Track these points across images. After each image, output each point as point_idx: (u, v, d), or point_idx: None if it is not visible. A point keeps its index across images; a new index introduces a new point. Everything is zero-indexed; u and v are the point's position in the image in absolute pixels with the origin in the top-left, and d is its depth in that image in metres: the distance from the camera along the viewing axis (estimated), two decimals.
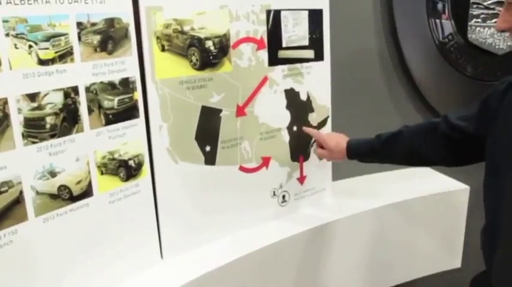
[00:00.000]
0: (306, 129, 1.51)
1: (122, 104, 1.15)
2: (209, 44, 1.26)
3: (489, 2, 1.74)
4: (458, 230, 1.78)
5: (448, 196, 1.73)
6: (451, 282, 1.92)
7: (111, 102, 1.13)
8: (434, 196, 1.70)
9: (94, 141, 1.10)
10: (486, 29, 1.76)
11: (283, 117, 1.48)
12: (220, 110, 1.33)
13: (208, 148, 1.32)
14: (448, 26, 1.75)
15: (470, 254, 1.81)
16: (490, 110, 1.08)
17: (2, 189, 0.95)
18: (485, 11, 1.75)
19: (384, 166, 1.83)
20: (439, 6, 1.73)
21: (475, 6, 1.74)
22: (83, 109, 1.07)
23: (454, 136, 1.19)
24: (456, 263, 1.82)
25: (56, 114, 1.02)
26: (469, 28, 1.75)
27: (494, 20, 1.75)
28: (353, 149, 1.40)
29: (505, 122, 1.02)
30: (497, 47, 1.78)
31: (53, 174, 1.03)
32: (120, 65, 1.13)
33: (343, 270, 1.60)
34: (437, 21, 1.73)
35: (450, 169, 1.82)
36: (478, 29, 1.75)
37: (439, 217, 1.74)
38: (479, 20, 1.75)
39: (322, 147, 1.47)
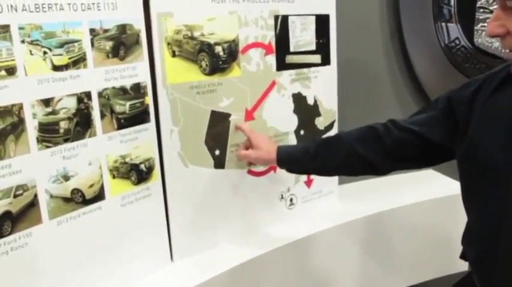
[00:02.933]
0: (237, 125, 1.35)
1: (133, 109, 1.16)
2: (219, 49, 1.28)
3: (495, 6, 1.75)
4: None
5: (453, 198, 1.72)
6: None
7: (123, 107, 1.14)
8: (439, 199, 1.71)
9: (106, 145, 1.12)
10: None
11: (290, 122, 1.49)
12: (229, 115, 1.34)
13: (217, 152, 1.34)
14: (454, 30, 1.76)
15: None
16: (458, 120, 1.00)
17: (17, 192, 0.97)
18: (492, 15, 1.76)
19: None
20: (445, 10, 1.74)
21: (481, 10, 1.75)
22: (96, 114, 1.09)
23: (410, 143, 1.10)
24: (463, 266, 1.81)
25: (69, 119, 1.04)
26: (475, 32, 1.76)
27: None
28: (283, 151, 1.26)
29: (489, 130, 0.93)
30: (503, 51, 1.79)
31: (66, 178, 1.05)
32: (132, 71, 1.15)
33: (350, 273, 1.61)
34: (444, 25, 1.75)
35: (456, 172, 1.83)
36: (484, 33, 1.76)
37: (445, 220, 1.74)
38: (485, 24, 1.76)
39: (247, 148, 1.34)
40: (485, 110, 0.95)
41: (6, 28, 0.91)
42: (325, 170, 1.27)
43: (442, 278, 1.81)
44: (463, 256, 1.10)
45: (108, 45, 1.09)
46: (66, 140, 1.04)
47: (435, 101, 1.11)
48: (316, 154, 1.21)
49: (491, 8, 1.75)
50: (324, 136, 1.29)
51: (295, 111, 1.49)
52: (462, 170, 1.00)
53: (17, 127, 0.95)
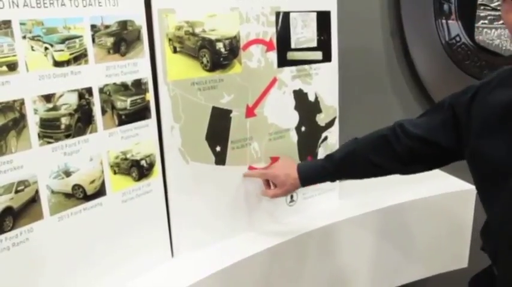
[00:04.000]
0: (249, 174, 1.41)
1: (134, 105, 1.16)
2: (220, 45, 1.28)
3: (496, 3, 1.75)
4: (465, 230, 1.79)
5: (455, 196, 1.74)
6: (457, 282, 1.93)
7: (124, 103, 1.14)
8: (441, 196, 1.71)
9: (107, 141, 1.12)
10: (493, 30, 1.77)
11: (291, 118, 1.49)
12: (231, 111, 1.34)
13: (218, 148, 1.34)
14: (455, 27, 1.76)
15: (477, 254, 1.81)
16: (460, 123, 1.07)
17: (19, 188, 0.97)
18: (493, 13, 1.76)
19: None
20: (446, 7, 1.74)
21: (482, 7, 1.75)
22: (97, 110, 1.09)
23: (419, 148, 1.16)
24: (463, 263, 1.82)
25: (70, 114, 1.04)
26: (476, 29, 1.76)
27: (501, 22, 1.76)
28: (305, 177, 1.34)
29: (490, 131, 0.99)
30: (504, 48, 1.79)
31: (67, 173, 1.05)
32: (133, 67, 1.15)
33: (350, 269, 1.62)
34: (444, 22, 1.75)
35: (457, 170, 1.83)
36: (485, 30, 1.77)
37: (446, 217, 1.75)
38: (486, 21, 1.76)
39: (269, 185, 1.41)
40: (484, 111, 1.01)
41: (7, 24, 0.91)
42: (347, 179, 1.42)
43: (444, 274, 1.81)
44: (483, 248, 1.14)
45: (109, 41, 1.09)
46: (67, 136, 1.04)
47: (440, 104, 1.15)
48: (337, 172, 1.31)
49: (492, 5, 1.75)
50: (336, 150, 1.35)
51: (296, 107, 1.49)
52: (472, 169, 1.06)
53: (19, 123, 0.95)
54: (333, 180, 1.37)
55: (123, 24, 1.12)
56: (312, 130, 1.54)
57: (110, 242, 1.17)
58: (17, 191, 0.96)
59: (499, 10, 1.75)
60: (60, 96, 1.02)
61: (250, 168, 1.43)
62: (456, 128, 1.08)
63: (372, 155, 1.23)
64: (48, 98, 1.00)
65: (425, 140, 1.14)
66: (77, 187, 1.07)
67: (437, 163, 1.22)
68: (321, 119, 1.56)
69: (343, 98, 1.60)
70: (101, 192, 1.13)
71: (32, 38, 0.96)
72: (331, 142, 1.59)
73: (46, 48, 0.98)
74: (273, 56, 1.40)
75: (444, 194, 1.72)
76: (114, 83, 1.12)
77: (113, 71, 1.11)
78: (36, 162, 0.99)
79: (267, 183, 1.42)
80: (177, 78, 1.23)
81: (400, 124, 1.20)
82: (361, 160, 1.26)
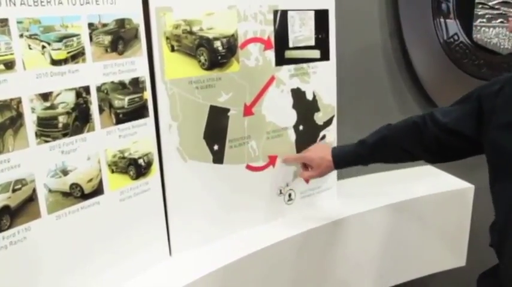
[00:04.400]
0: (287, 159, 1.50)
1: (132, 104, 1.16)
2: (217, 44, 1.28)
3: (494, 2, 1.75)
4: (463, 229, 1.79)
5: (453, 194, 1.74)
6: (455, 280, 1.94)
7: (122, 101, 1.14)
8: (439, 194, 1.72)
9: (105, 140, 1.12)
10: (491, 29, 1.77)
11: (289, 117, 1.49)
12: (228, 110, 1.34)
13: (216, 147, 1.34)
14: (453, 25, 1.76)
15: (475, 253, 1.82)
16: (483, 113, 1.10)
17: (16, 187, 0.97)
18: (491, 11, 1.76)
19: (388, 166, 1.85)
20: (444, 6, 1.74)
21: (480, 6, 1.75)
22: (94, 108, 1.09)
23: (445, 137, 1.20)
24: (461, 261, 1.83)
25: (68, 113, 1.04)
26: (474, 28, 1.76)
27: (499, 20, 1.76)
28: (339, 161, 1.40)
29: (510, 124, 1.03)
30: (502, 46, 1.80)
31: (65, 172, 1.05)
32: (131, 65, 1.15)
33: (348, 268, 1.62)
34: (443, 21, 1.75)
35: (455, 168, 1.83)
36: (483, 29, 1.77)
37: (444, 216, 1.75)
38: (484, 20, 1.76)
39: (306, 168, 1.48)
40: (507, 105, 1.05)
41: (4, 22, 0.91)
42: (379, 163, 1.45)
43: (442, 273, 1.82)
44: (491, 244, 1.16)
45: (107, 39, 1.09)
46: (64, 135, 1.04)
47: (469, 95, 1.19)
48: (369, 156, 1.37)
49: (489, 3, 1.75)
50: (369, 135, 1.38)
51: (294, 106, 1.49)
52: (488, 160, 1.11)
53: (16, 121, 0.95)
54: (365, 164, 1.43)
55: (121, 22, 1.11)
56: (310, 129, 1.54)
57: (107, 240, 1.17)
58: (14, 190, 0.96)
59: (497, 9, 1.76)
60: (58, 94, 1.02)
61: (248, 167, 1.43)
62: (479, 119, 1.12)
63: (402, 142, 1.29)
64: (45, 96, 0.99)
65: (450, 130, 1.18)
66: (74, 185, 1.07)
67: (460, 154, 1.25)
68: (319, 117, 1.56)
69: (341, 97, 1.60)
70: (98, 191, 1.12)
71: (29, 37, 0.95)
72: (329, 141, 1.59)
73: (43, 47, 0.98)
74: (270, 54, 1.40)
75: (442, 193, 1.72)
76: (112, 82, 1.12)
77: (110, 70, 1.11)
78: (33, 161, 0.99)
79: (304, 166, 1.49)
80: (175, 77, 1.23)
81: (431, 113, 1.25)
82: (392, 145, 1.32)
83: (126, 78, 1.14)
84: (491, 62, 1.82)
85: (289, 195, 1.55)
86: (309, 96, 1.52)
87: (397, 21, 1.71)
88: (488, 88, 1.12)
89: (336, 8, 1.51)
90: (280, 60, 1.42)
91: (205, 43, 1.26)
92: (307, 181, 1.55)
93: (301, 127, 1.52)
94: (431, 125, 1.22)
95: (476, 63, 1.81)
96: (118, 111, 1.14)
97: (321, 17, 1.49)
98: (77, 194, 1.08)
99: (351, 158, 1.40)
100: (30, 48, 0.96)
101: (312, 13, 1.46)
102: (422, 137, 1.24)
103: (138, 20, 1.15)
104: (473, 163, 1.90)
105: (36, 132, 0.99)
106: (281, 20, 1.40)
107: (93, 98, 1.08)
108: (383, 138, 1.34)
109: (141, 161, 1.20)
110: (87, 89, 1.07)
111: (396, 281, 1.75)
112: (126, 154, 1.17)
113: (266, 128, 1.44)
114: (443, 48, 1.77)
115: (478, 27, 1.77)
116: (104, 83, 1.10)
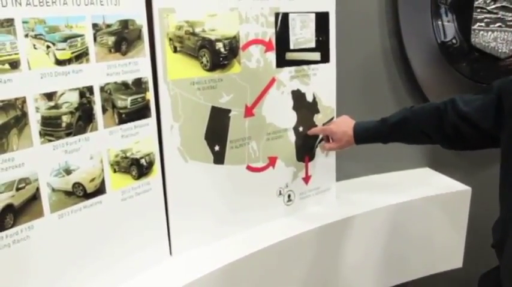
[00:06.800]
0: (312, 131, 1.55)
1: (134, 104, 1.17)
2: (219, 45, 1.29)
3: (492, 6, 1.77)
4: (460, 231, 1.80)
5: (450, 197, 1.75)
6: (452, 282, 1.95)
7: (125, 101, 1.15)
8: (436, 197, 1.73)
9: (107, 139, 1.13)
10: (489, 32, 1.78)
11: (289, 118, 1.51)
12: (229, 111, 1.35)
13: (217, 148, 1.35)
14: (451, 29, 1.77)
15: (471, 254, 1.83)
16: (504, 109, 1.11)
17: (20, 186, 0.97)
18: (489, 16, 1.77)
19: (386, 168, 1.86)
20: (443, 9, 1.75)
21: (478, 10, 1.76)
22: (98, 108, 1.10)
23: (464, 127, 1.21)
24: (458, 263, 1.84)
25: (71, 113, 1.05)
26: (472, 32, 1.78)
27: (497, 24, 1.77)
28: (360, 137, 1.43)
29: None
30: (500, 50, 1.81)
31: (68, 171, 1.06)
32: (134, 66, 1.16)
33: (346, 269, 1.63)
34: (441, 24, 1.76)
35: (453, 171, 1.85)
36: (481, 33, 1.78)
37: (441, 218, 1.76)
38: (482, 24, 1.78)
39: (328, 140, 1.52)
40: None
41: (10, 22, 0.92)
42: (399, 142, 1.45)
43: (438, 274, 1.83)
44: (493, 245, 1.17)
45: (111, 40, 1.10)
46: (68, 134, 1.05)
47: (490, 86, 1.19)
48: (389, 135, 1.39)
49: (488, 8, 1.77)
50: (391, 115, 1.40)
51: (295, 108, 1.50)
52: (503, 155, 1.11)
53: (20, 121, 0.96)
54: (385, 142, 1.43)
55: (125, 23, 1.12)
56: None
57: (109, 240, 1.17)
58: (18, 189, 0.97)
59: (495, 13, 1.77)
60: (62, 94, 1.02)
61: (249, 168, 1.44)
62: (498, 110, 1.13)
63: (423, 125, 1.31)
64: (49, 96, 1.00)
65: (469, 120, 1.19)
66: (77, 185, 1.08)
67: (476, 144, 1.25)
68: (319, 119, 1.57)
69: (340, 99, 1.61)
70: (100, 190, 1.13)
71: (34, 37, 0.96)
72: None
73: (48, 47, 0.99)
74: (271, 56, 1.41)
75: (439, 195, 1.73)
76: (115, 82, 1.12)
77: (113, 70, 1.12)
78: (37, 160, 1.00)
79: (327, 138, 1.52)
80: (177, 78, 1.23)
81: (453, 99, 1.24)
82: (412, 127, 1.33)
83: (129, 78, 1.15)
84: (488, 65, 1.83)
85: (289, 196, 1.56)
86: (309, 98, 1.53)
87: (396, 23, 1.72)
88: (508, 82, 1.12)
89: (336, 11, 1.52)
90: (281, 62, 1.43)
91: (208, 44, 1.27)
92: (329, 150, 1.59)
93: (301, 128, 1.53)
94: (452, 113, 1.22)
95: (474, 66, 1.83)
96: (121, 111, 1.15)
97: (322, 19, 1.50)
98: (80, 193, 1.09)
99: (371, 135, 1.42)
100: (35, 48, 0.96)
101: (313, 16, 1.47)
102: (443, 123, 1.25)
103: (142, 21, 1.16)
104: (470, 166, 1.93)
105: (40, 132, 0.99)
106: (282, 22, 1.41)
107: (97, 98, 1.09)
108: (405, 119, 1.35)
109: (143, 161, 1.21)
110: (90, 89, 1.08)
111: (394, 282, 1.76)
112: (128, 154, 1.18)
113: (266, 129, 1.45)
114: (441, 51, 1.78)
115: (477, 31, 1.78)
116: (107, 83, 1.11)
